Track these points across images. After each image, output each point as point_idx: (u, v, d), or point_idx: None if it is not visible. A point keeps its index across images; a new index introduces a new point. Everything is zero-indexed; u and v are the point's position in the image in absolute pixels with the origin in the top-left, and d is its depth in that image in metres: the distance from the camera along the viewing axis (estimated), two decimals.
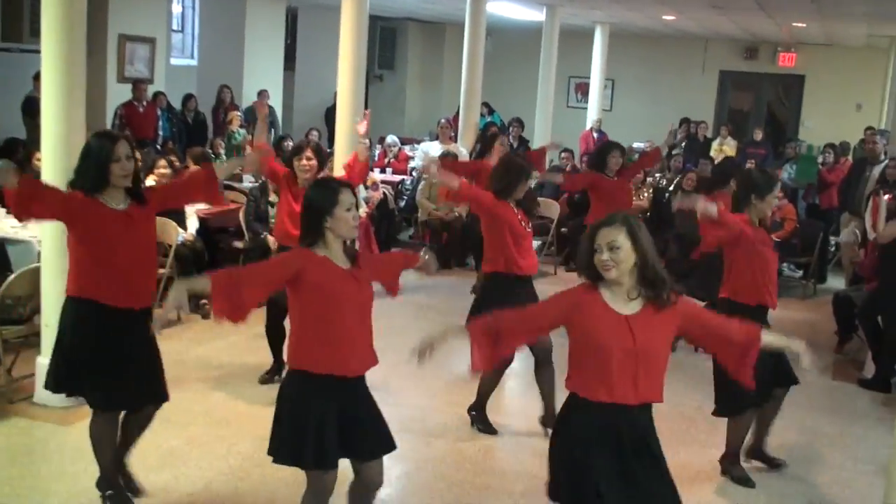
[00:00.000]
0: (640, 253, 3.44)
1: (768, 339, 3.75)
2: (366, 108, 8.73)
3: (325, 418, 3.80)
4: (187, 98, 13.51)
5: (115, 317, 4.38)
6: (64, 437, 5.58)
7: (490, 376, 5.96)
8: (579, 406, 3.50)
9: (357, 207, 3.86)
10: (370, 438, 3.94)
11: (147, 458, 5.22)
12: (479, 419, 6.10)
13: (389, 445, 4.01)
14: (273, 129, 14.66)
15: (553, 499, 3.63)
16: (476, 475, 5.47)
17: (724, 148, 16.07)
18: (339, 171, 8.88)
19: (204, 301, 8.33)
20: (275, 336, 6.63)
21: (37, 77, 9.17)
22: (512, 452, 5.88)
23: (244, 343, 7.65)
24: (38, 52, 5.95)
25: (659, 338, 3.49)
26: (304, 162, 6.34)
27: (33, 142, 8.78)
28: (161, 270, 7.92)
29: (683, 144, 16.55)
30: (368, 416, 3.94)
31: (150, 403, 4.63)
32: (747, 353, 3.69)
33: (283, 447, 3.86)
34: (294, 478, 5.19)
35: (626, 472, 3.44)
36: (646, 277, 3.46)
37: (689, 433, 6.27)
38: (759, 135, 16.42)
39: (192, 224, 8.77)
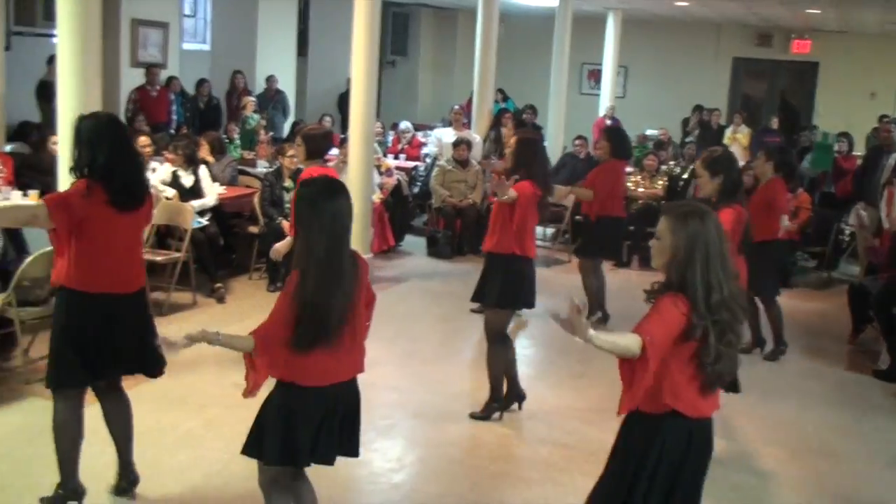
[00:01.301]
0: (673, 251, 3.21)
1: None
2: (379, 93, 8.65)
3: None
4: (200, 83, 13.52)
5: None
6: None
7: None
8: None
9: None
10: None
11: (164, 440, 5.28)
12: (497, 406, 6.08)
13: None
14: (286, 115, 14.69)
15: None
16: (491, 461, 5.48)
17: (737, 136, 15.89)
18: (353, 156, 8.92)
19: (219, 285, 8.36)
20: None
21: (51, 61, 9.17)
22: (527, 440, 5.88)
23: None
24: (52, 35, 5.98)
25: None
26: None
27: (48, 126, 8.81)
28: (176, 254, 7.98)
29: (696, 132, 16.52)
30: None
31: None
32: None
33: None
34: None
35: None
36: (667, 280, 3.25)
37: None
38: (774, 122, 16.30)
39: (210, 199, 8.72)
